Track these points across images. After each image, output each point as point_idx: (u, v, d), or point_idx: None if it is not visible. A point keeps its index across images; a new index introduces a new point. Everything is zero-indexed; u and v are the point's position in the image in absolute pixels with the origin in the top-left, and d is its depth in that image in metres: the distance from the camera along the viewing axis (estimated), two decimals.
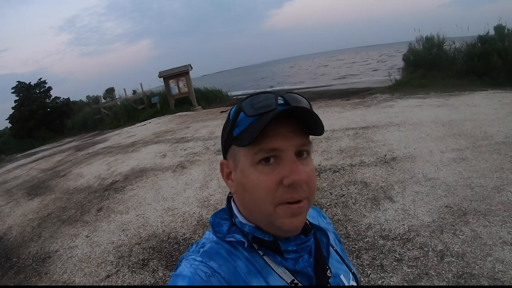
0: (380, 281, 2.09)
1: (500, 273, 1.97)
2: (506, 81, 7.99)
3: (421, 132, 4.75)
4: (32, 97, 16.28)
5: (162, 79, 13.26)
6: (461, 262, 2.12)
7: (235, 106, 0.56)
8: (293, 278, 0.54)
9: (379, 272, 2.15)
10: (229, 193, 0.63)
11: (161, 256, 2.85)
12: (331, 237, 0.68)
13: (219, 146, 5.52)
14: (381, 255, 2.32)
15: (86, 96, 20.30)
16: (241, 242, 0.55)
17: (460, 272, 2.03)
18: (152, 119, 12.21)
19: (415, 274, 2.08)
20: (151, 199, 4.08)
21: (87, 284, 2.70)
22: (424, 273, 2.07)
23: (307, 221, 0.60)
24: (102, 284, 2.66)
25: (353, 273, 0.65)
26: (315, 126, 0.52)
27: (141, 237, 3.23)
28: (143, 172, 5.21)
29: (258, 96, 0.53)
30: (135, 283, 2.58)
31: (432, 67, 9.85)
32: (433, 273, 2.06)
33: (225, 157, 0.60)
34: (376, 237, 2.52)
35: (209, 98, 14.32)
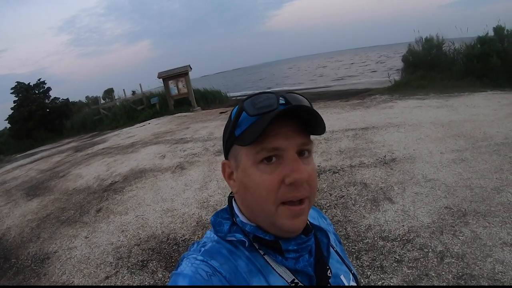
0: (380, 282, 2.08)
1: (500, 274, 1.97)
2: (505, 82, 8.01)
3: (420, 133, 4.75)
4: (31, 98, 16.25)
5: (161, 79, 13.26)
6: (461, 263, 2.12)
7: (236, 107, 0.57)
8: (293, 277, 0.54)
9: (379, 273, 2.15)
10: (230, 193, 0.63)
11: (161, 257, 2.84)
12: (332, 238, 0.68)
13: (218, 147, 5.53)
14: (381, 256, 2.31)
15: (85, 97, 20.33)
16: (242, 242, 0.55)
17: (460, 273, 2.03)
18: (152, 119, 12.20)
19: (415, 275, 2.07)
20: (151, 200, 4.07)
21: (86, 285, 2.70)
22: (424, 274, 2.07)
23: (308, 221, 0.60)
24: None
25: (353, 274, 0.65)
26: (316, 125, 0.53)
27: (140, 238, 3.22)
28: (142, 173, 5.20)
29: (260, 96, 0.54)
30: (135, 285, 2.57)
31: (432, 68, 9.87)
32: (433, 274, 2.05)
33: (226, 157, 0.60)
34: (376, 238, 2.52)
35: (208, 99, 14.33)
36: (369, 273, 2.17)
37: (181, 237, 3.10)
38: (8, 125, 17.19)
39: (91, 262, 3.00)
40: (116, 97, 16.70)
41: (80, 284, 2.72)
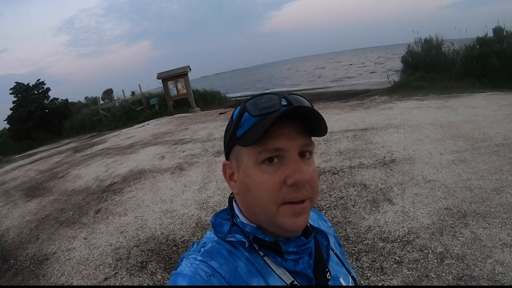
0: (380, 284, 2.08)
1: (500, 275, 1.97)
2: (504, 83, 8.02)
3: (420, 134, 4.75)
4: (30, 98, 16.22)
5: (160, 80, 13.26)
6: (461, 264, 2.11)
7: (238, 107, 0.57)
8: (293, 279, 0.54)
9: (379, 275, 2.14)
10: (231, 194, 0.63)
11: (160, 259, 2.83)
12: (332, 240, 0.68)
13: (217, 148, 5.52)
14: (381, 257, 2.31)
15: (85, 97, 20.30)
16: (242, 242, 0.55)
17: (460, 274, 2.03)
18: (151, 120, 12.19)
19: (415, 277, 2.07)
20: (150, 201, 4.06)
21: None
22: (424, 276, 2.06)
23: (308, 223, 0.60)
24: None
25: (353, 277, 0.65)
26: (318, 127, 0.53)
27: (139, 239, 3.21)
28: (142, 174, 5.19)
29: (262, 97, 0.54)
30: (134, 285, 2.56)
31: (431, 69, 9.89)
32: (433, 275, 2.05)
33: (227, 158, 0.60)
34: (375, 240, 2.52)
35: (207, 100, 14.32)
36: (369, 274, 2.17)
37: (180, 238, 3.09)
38: (7, 126, 17.16)
39: (90, 263, 2.99)
40: (115, 98, 16.69)
41: (80, 285, 2.72)
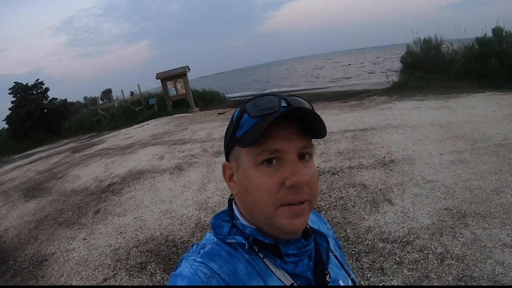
0: (381, 284, 2.07)
1: (501, 275, 1.97)
2: (503, 83, 8.03)
3: (419, 134, 4.75)
4: (29, 98, 16.17)
5: (159, 80, 13.24)
6: (461, 264, 2.11)
7: (239, 109, 0.57)
8: (292, 281, 0.54)
9: (379, 275, 2.14)
10: (230, 195, 0.63)
11: (159, 260, 2.83)
12: (331, 242, 0.68)
13: (216, 148, 5.51)
14: (381, 258, 2.31)
15: (84, 97, 20.24)
16: (242, 244, 0.55)
17: (461, 275, 2.03)
18: (150, 120, 12.18)
19: (416, 277, 2.07)
20: (149, 202, 4.05)
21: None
22: (425, 276, 2.06)
23: (307, 226, 0.60)
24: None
25: (352, 279, 0.65)
26: (318, 128, 0.53)
27: (138, 240, 3.20)
28: (141, 174, 5.18)
29: (262, 98, 0.54)
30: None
31: (430, 69, 9.90)
32: (434, 276, 2.05)
33: (227, 159, 0.60)
34: (375, 240, 2.51)
35: (206, 100, 14.31)
36: (369, 275, 2.16)
37: (179, 239, 3.08)
38: (6, 126, 17.11)
39: (89, 264, 2.98)
40: (114, 98, 16.65)
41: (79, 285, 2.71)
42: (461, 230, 2.47)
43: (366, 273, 2.19)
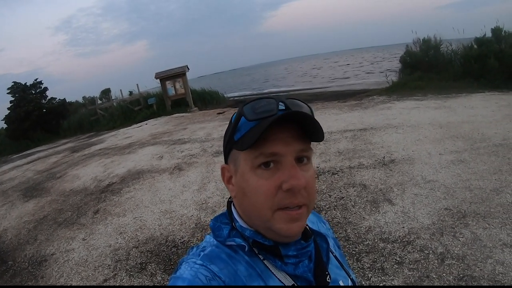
0: (382, 284, 2.07)
1: (501, 275, 1.98)
2: (503, 83, 8.04)
3: (419, 134, 4.76)
4: (27, 98, 16.10)
5: (158, 80, 13.21)
6: (462, 264, 2.12)
7: (237, 111, 0.56)
8: (293, 282, 0.54)
9: (380, 275, 2.14)
10: (229, 198, 0.63)
11: (159, 260, 2.82)
12: (331, 243, 0.68)
13: (216, 148, 5.51)
14: (381, 258, 2.31)
15: (82, 97, 20.19)
16: (242, 246, 0.55)
17: (461, 275, 2.03)
18: (149, 120, 12.15)
19: (416, 277, 2.07)
20: (148, 202, 4.04)
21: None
22: (425, 276, 2.06)
23: (307, 227, 0.60)
24: None
25: (352, 280, 0.65)
26: (316, 132, 0.52)
27: (138, 240, 3.20)
28: (140, 174, 5.17)
29: (260, 101, 0.54)
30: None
31: (429, 69, 9.91)
32: (434, 276, 2.05)
33: (226, 162, 0.60)
34: (376, 240, 2.51)
35: (205, 100, 14.29)
36: (370, 275, 2.16)
37: (180, 239, 3.08)
38: (4, 126, 17.06)
39: (89, 264, 2.97)
40: (113, 98, 16.60)
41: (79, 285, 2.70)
42: (461, 230, 2.47)
43: (367, 273, 2.19)
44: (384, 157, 4.08)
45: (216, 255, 0.54)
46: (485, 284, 1.93)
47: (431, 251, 2.28)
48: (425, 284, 2.01)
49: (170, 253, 2.89)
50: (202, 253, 0.54)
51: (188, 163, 5.26)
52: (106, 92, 19.15)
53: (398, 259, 2.27)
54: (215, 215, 0.62)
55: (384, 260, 2.28)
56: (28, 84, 16.70)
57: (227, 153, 0.59)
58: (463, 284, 1.96)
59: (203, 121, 9.41)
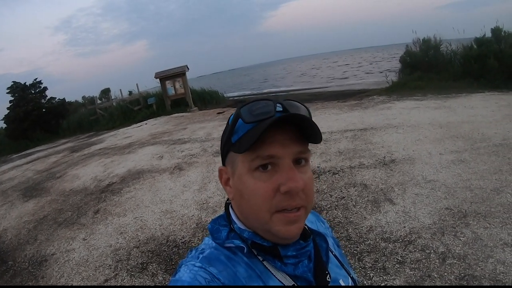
0: (383, 284, 2.08)
1: (502, 274, 1.98)
2: (502, 83, 8.05)
3: (419, 134, 4.76)
4: (27, 98, 16.08)
5: (158, 80, 13.20)
6: (463, 264, 2.12)
7: (234, 113, 0.56)
8: (293, 283, 0.54)
9: (381, 275, 2.14)
10: (227, 200, 0.63)
11: (160, 260, 2.82)
12: (330, 242, 0.68)
13: (216, 147, 5.51)
14: (383, 257, 2.31)
15: (82, 97, 20.18)
16: (241, 248, 0.55)
17: (462, 274, 2.03)
18: (148, 120, 12.14)
19: (418, 276, 2.07)
20: (149, 202, 4.04)
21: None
22: (427, 275, 2.06)
23: (306, 226, 0.60)
24: None
25: (352, 278, 0.65)
26: (313, 134, 0.52)
27: (139, 240, 3.19)
28: (140, 174, 5.16)
29: (257, 103, 0.53)
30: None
31: (429, 69, 9.92)
32: (436, 275, 2.05)
33: (224, 164, 0.60)
34: (377, 240, 2.52)
35: (205, 99, 14.28)
36: (371, 274, 2.17)
37: (181, 239, 3.08)
38: (4, 125, 17.04)
39: (90, 264, 2.97)
40: (112, 97, 16.59)
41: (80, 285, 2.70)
42: (462, 229, 2.47)
43: (368, 272, 2.19)
44: (384, 157, 4.09)
45: (215, 257, 0.54)
46: (486, 284, 1.93)
47: (432, 251, 2.28)
48: (426, 283, 2.01)
49: (171, 253, 2.88)
50: (201, 256, 0.54)
51: (188, 163, 5.26)
52: (105, 92, 19.15)
53: (399, 258, 2.27)
54: (216, 215, 0.62)
55: (386, 259, 2.28)
56: (27, 84, 16.67)
57: (224, 155, 0.59)
58: (465, 283, 1.96)
59: (203, 120, 9.40)
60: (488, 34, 9.42)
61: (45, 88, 17.07)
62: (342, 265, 0.66)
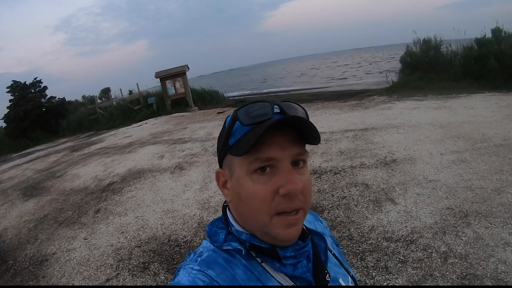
0: (386, 283, 2.08)
1: (503, 273, 1.99)
2: (502, 83, 8.05)
3: (420, 134, 4.77)
4: (27, 97, 16.05)
5: (158, 79, 13.19)
6: (465, 263, 2.12)
7: (231, 114, 0.56)
8: (292, 283, 0.54)
9: (384, 274, 2.15)
10: (224, 202, 0.63)
11: (162, 259, 2.81)
12: (329, 241, 0.68)
13: None
14: (385, 257, 2.31)
15: (82, 96, 20.13)
16: (239, 250, 0.55)
17: (464, 273, 2.04)
18: (149, 119, 12.14)
19: (420, 276, 2.08)
20: (150, 201, 4.04)
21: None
22: (429, 275, 2.07)
23: (304, 227, 0.60)
24: None
25: (352, 277, 0.65)
26: (311, 135, 0.52)
27: (140, 240, 3.19)
28: (141, 173, 5.16)
29: (254, 105, 0.53)
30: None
31: (429, 70, 9.91)
32: (438, 274, 2.06)
33: (221, 166, 0.59)
34: (379, 239, 2.52)
35: (205, 99, 14.27)
36: (374, 273, 2.17)
37: (182, 239, 3.07)
38: (4, 124, 17.01)
39: (91, 264, 2.96)
40: (112, 97, 16.58)
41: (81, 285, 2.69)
42: (463, 229, 2.48)
43: (371, 272, 2.19)
44: (385, 157, 4.09)
45: (213, 260, 0.54)
46: (488, 283, 1.93)
47: (434, 250, 2.29)
48: (428, 282, 2.01)
49: (173, 253, 2.88)
50: (199, 259, 0.54)
51: (189, 162, 5.26)
52: (105, 91, 19.12)
53: (401, 258, 2.27)
54: (218, 214, 0.62)
55: (388, 259, 2.29)
56: (27, 83, 16.66)
57: (221, 158, 0.58)
58: (467, 282, 1.97)
59: (203, 120, 9.40)
60: (489, 35, 9.43)
61: (45, 88, 17.06)
62: (341, 263, 0.66)
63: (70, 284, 2.74)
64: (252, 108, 0.52)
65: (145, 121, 11.90)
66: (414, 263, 2.19)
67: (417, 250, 2.32)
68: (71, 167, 6.81)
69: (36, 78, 16.92)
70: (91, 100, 17.52)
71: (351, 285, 0.63)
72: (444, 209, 2.78)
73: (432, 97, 7.55)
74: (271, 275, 0.54)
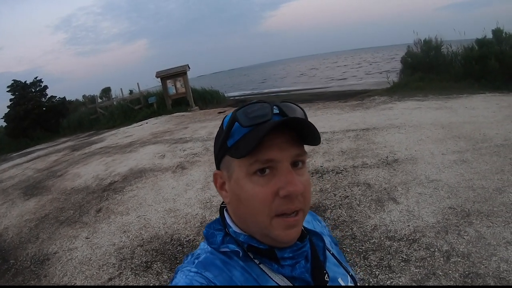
0: (389, 282, 2.08)
1: (505, 272, 1.99)
2: (503, 84, 8.06)
3: (421, 134, 4.78)
4: (27, 96, 16.04)
5: (159, 79, 13.19)
6: (467, 262, 2.13)
7: (229, 115, 0.55)
8: (291, 284, 0.54)
9: (387, 273, 2.15)
10: (222, 203, 0.63)
11: (165, 258, 2.82)
12: (327, 240, 0.68)
13: None
14: (388, 255, 2.32)
15: (82, 96, 20.10)
16: (236, 252, 0.55)
17: (467, 272, 2.05)
18: (149, 119, 12.13)
19: (423, 274, 2.08)
20: (152, 200, 4.04)
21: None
22: (432, 273, 2.07)
23: (302, 227, 0.60)
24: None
25: (351, 276, 0.65)
26: (311, 136, 0.52)
27: (143, 239, 3.19)
28: (142, 173, 5.16)
29: (253, 106, 0.53)
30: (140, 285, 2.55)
31: (430, 70, 9.92)
32: (440, 273, 2.06)
33: (218, 167, 0.59)
34: (382, 238, 2.53)
35: (206, 99, 14.26)
36: (377, 272, 2.17)
37: (185, 238, 3.08)
38: (4, 124, 16.99)
39: (93, 263, 2.96)
40: (113, 96, 16.57)
41: (83, 285, 2.69)
42: (465, 228, 2.48)
43: (374, 270, 2.20)
44: (387, 157, 4.10)
45: (211, 262, 0.54)
46: (490, 283, 1.94)
47: (436, 249, 2.29)
48: (431, 281, 2.02)
49: (176, 252, 2.89)
50: (196, 261, 0.54)
51: (190, 161, 5.26)
52: (106, 91, 19.11)
53: (404, 256, 2.28)
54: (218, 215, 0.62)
55: (391, 258, 2.29)
56: (28, 82, 16.64)
57: (219, 159, 0.57)
58: (469, 281, 1.97)
59: (204, 120, 9.41)
60: (489, 35, 9.44)
61: (46, 87, 17.04)
62: (340, 263, 0.65)
63: (72, 284, 2.74)
64: (251, 109, 0.52)
65: (145, 121, 11.90)
66: (417, 262, 2.20)
67: (419, 249, 2.32)
68: (71, 166, 6.81)
69: (37, 77, 16.91)
70: (91, 99, 17.51)
71: (351, 284, 0.63)
72: (446, 208, 2.78)
73: (433, 98, 7.56)
74: (269, 277, 0.54)
